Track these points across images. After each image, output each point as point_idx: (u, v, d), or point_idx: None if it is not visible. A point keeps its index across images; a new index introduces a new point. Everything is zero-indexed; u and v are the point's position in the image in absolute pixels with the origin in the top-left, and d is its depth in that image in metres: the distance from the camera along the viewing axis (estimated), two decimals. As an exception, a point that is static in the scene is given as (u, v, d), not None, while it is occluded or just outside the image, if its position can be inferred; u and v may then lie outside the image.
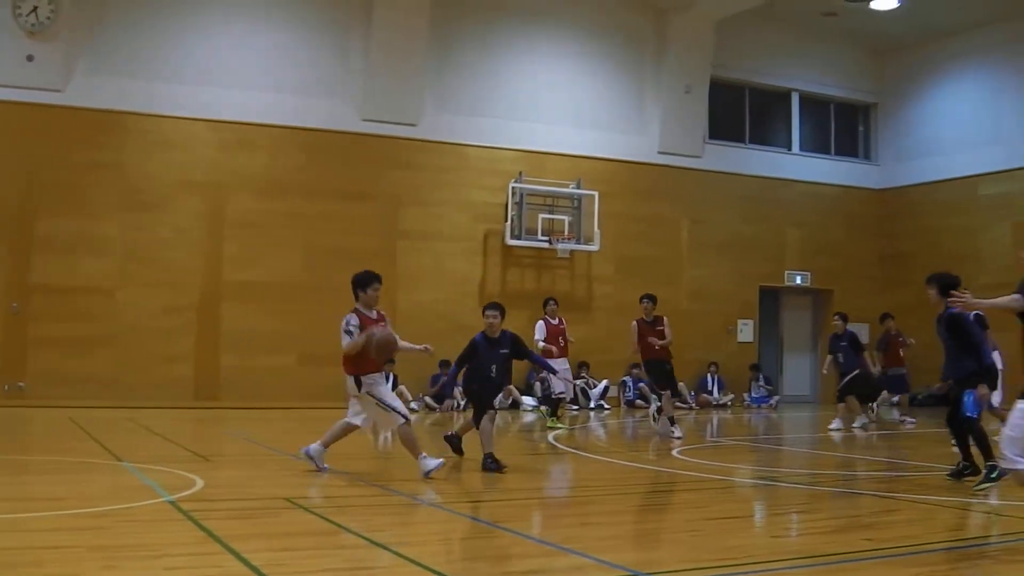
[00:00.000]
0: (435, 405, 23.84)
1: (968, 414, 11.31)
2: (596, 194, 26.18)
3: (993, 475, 10.64)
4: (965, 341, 11.43)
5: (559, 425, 19.53)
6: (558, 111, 26.82)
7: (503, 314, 13.07)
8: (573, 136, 26.90)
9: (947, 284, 11.10)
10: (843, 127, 32.18)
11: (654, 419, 18.41)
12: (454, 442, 13.45)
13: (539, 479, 12.05)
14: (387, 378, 10.62)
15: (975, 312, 11.66)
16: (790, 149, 30.94)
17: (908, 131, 31.44)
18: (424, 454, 11.16)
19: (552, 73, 26.92)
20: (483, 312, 13.10)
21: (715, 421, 22.80)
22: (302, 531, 8.06)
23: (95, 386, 21.68)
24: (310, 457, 11.64)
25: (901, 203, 31.09)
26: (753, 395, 28.03)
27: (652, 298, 17.77)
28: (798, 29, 29.99)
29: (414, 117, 24.98)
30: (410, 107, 24.93)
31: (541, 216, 25.73)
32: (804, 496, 10.82)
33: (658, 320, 17.56)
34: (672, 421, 17.35)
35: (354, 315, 11.46)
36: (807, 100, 31.34)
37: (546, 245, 25.69)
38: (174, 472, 10.99)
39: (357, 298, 11.71)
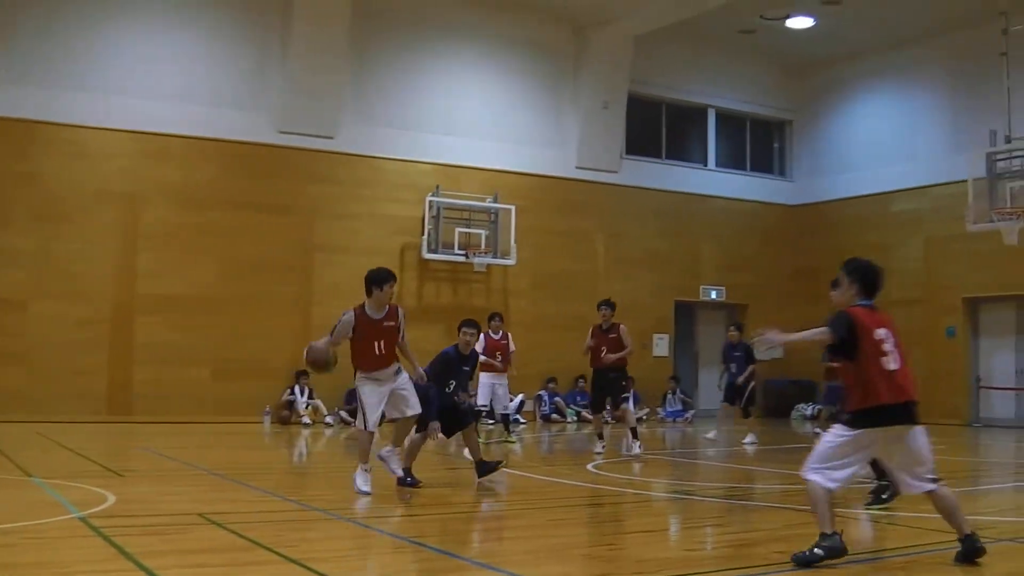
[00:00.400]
0: (350, 419, 23.70)
1: None
2: (513, 208, 26.22)
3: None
4: None
5: (511, 440, 19.75)
6: (476, 125, 26.84)
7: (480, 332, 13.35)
8: (491, 150, 26.93)
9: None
10: (759, 143, 32.51)
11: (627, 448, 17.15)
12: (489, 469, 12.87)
13: (457, 494, 12.01)
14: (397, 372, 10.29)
15: None
16: (706, 165, 31.20)
17: (822, 148, 31.84)
18: (365, 467, 11.06)
19: (471, 87, 26.95)
20: (459, 329, 13.02)
21: (630, 435, 22.83)
22: (215, 547, 7.96)
23: (6, 400, 21.30)
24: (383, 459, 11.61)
25: (815, 219, 31.46)
26: (668, 409, 28.15)
27: (611, 305, 17.25)
28: (715, 46, 30.24)
29: (331, 130, 24.86)
30: (327, 120, 24.80)
31: (458, 230, 25.71)
32: (719, 510, 10.89)
33: (613, 328, 17.06)
34: (626, 435, 17.19)
35: (350, 312, 11.52)
36: (723, 116, 31.63)
37: (463, 259, 25.68)
38: (85, 488, 10.84)
39: (369, 294, 11.67)
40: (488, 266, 26.29)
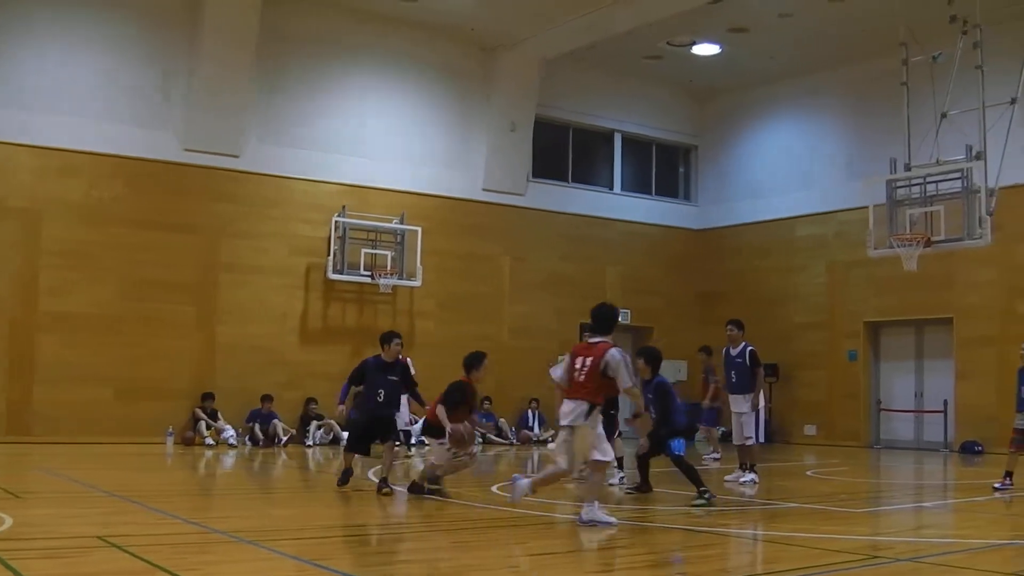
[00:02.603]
0: (255, 441, 23.53)
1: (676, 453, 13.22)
2: (419, 230, 26.21)
3: (705, 497, 12.64)
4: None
5: (408, 455, 19.79)
6: (384, 146, 26.80)
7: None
8: (398, 171, 26.89)
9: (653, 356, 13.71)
10: (664, 168, 32.80)
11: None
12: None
13: (360, 515, 11.96)
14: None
15: None
16: (612, 189, 31.41)
17: (727, 173, 32.21)
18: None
19: (379, 108, 26.91)
20: (389, 341, 14.11)
21: (536, 457, 22.90)
22: (114, 570, 7.84)
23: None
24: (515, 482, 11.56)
25: (720, 243, 31.80)
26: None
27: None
28: (622, 71, 30.48)
29: (237, 148, 24.68)
30: (233, 138, 24.61)
31: (364, 251, 25.65)
32: (623, 531, 10.93)
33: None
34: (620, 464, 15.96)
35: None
36: (629, 141, 31.88)
37: (369, 280, 25.60)
38: (-20, 510, 10.65)
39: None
40: (394, 287, 26.22)
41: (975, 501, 14.58)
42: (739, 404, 16.66)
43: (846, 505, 12.16)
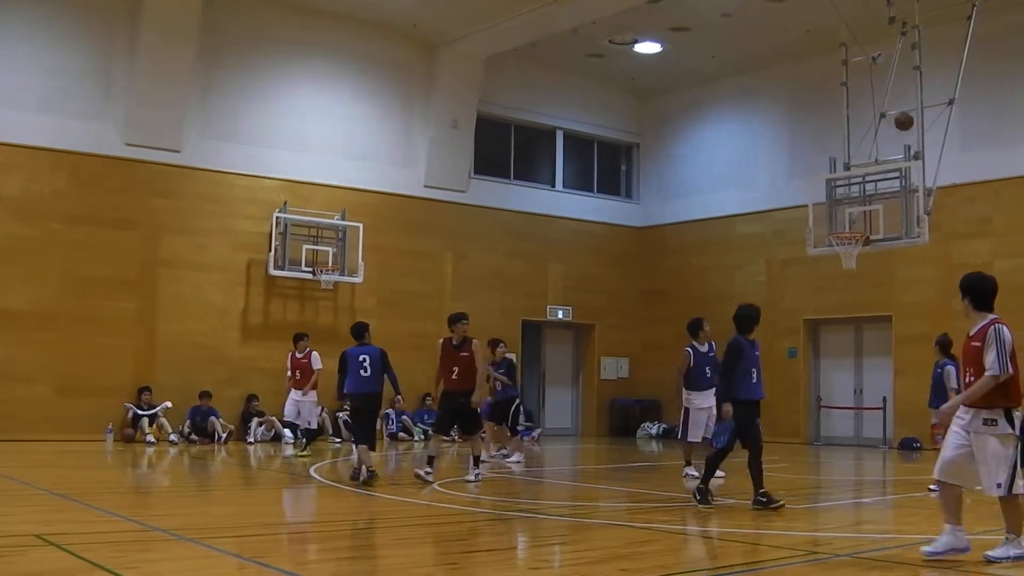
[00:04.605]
0: (196, 438, 23.39)
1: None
2: (361, 226, 26.13)
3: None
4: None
5: (304, 455, 19.84)
6: (325, 142, 26.68)
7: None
8: (340, 167, 26.79)
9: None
10: (606, 166, 32.89)
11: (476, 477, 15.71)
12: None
13: (300, 513, 11.93)
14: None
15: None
16: (554, 186, 31.45)
17: (668, 171, 32.35)
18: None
19: (320, 104, 26.77)
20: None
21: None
22: (51, 569, 7.78)
23: None
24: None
25: (661, 241, 31.94)
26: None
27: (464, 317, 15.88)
28: (564, 69, 30.53)
29: (177, 143, 24.46)
30: (173, 133, 24.39)
31: (305, 247, 25.53)
32: (564, 528, 10.96)
33: (466, 343, 15.59)
34: (477, 462, 15.80)
35: None
36: (571, 138, 31.92)
37: (310, 276, 25.50)
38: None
39: None
40: (335, 284, 26.13)
41: (913, 497, 14.74)
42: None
43: (787, 501, 12.23)
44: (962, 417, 8.56)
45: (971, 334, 8.65)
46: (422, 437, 25.86)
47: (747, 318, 12.65)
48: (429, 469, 15.06)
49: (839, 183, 21.34)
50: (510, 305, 29.20)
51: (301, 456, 19.77)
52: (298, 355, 21.06)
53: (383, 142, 27.72)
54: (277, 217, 25.22)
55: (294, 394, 20.89)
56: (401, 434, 26.00)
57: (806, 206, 22.09)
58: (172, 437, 23.03)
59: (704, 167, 31.17)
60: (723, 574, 8.52)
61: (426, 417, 26.29)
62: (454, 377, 15.42)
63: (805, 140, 27.95)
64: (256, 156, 25.57)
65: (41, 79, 23.16)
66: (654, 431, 30.01)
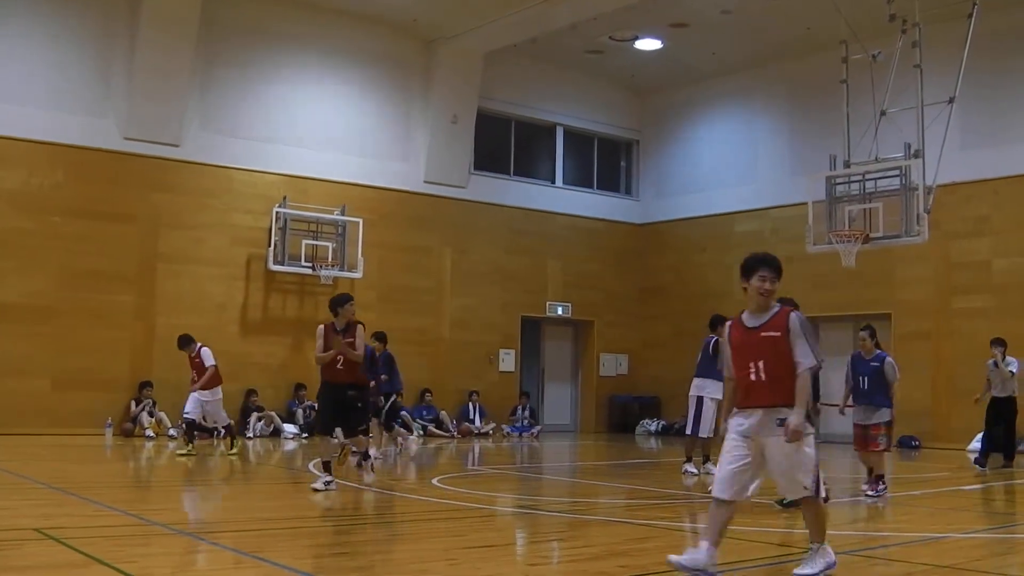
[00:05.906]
0: (195, 433, 23.35)
1: None
2: (361, 221, 26.11)
3: None
4: None
5: (231, 453, 19.26)
6: (325, 137, 26.66)
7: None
8: (339, 162, 26.78)
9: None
10: (606, 162, 32.87)
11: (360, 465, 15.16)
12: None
13: (295, 508, 11.92)
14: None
15: None
16: (554, 182, 31.44)
17: (668, 168, 32.34)
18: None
19: (320, 98, 26.77)
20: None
21: (476, 449, 22.92)
22: (51, 563, 7.75)
23: None
24: None
25: (660, 238, 31.94)
26: (514, 425, 28.19)
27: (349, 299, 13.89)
28: (564, 65, 30.54)
29: (177, 138, 24.44)
30: (173, 127, 24.37)
31: (305, 242, 25.52)
32: (563, 524, 10.96)
33: (350, 328, 13.57)
34: (362, 461, 14.95)
35: None
36: (571, 134, 31.91)
37: (309, 271, 25.49)
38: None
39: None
40: (335, 279, 26.11)
41: (911, 495, 14.74)
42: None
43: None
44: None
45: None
46: (421, 432, 25.86)
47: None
48: (328, 478, 13.01)
49: (839, 181, 21.36)
50: (509, 301, 29.21)
51: (230, 454, 19.21)
52: (191, 353, 19.77)
53: (383, 137, 27.70)
54: (277, 212, 25.20)
55: (196, 394, 19.51)
56: (401, 429, 25.96)
57: (806, 203, 22.11)
58: (171, 432, 23.01)
59: (704, 164, 31.16)
60: (721, 571, 8.51)
61: (425, 413, 26.33)
62: (339, 367, 13.41)
63: (805, 137, 27.94)
64: (256, 151, 25.55)
65: (41, 73, 23.14)
66: (653, 428, 30.02)
